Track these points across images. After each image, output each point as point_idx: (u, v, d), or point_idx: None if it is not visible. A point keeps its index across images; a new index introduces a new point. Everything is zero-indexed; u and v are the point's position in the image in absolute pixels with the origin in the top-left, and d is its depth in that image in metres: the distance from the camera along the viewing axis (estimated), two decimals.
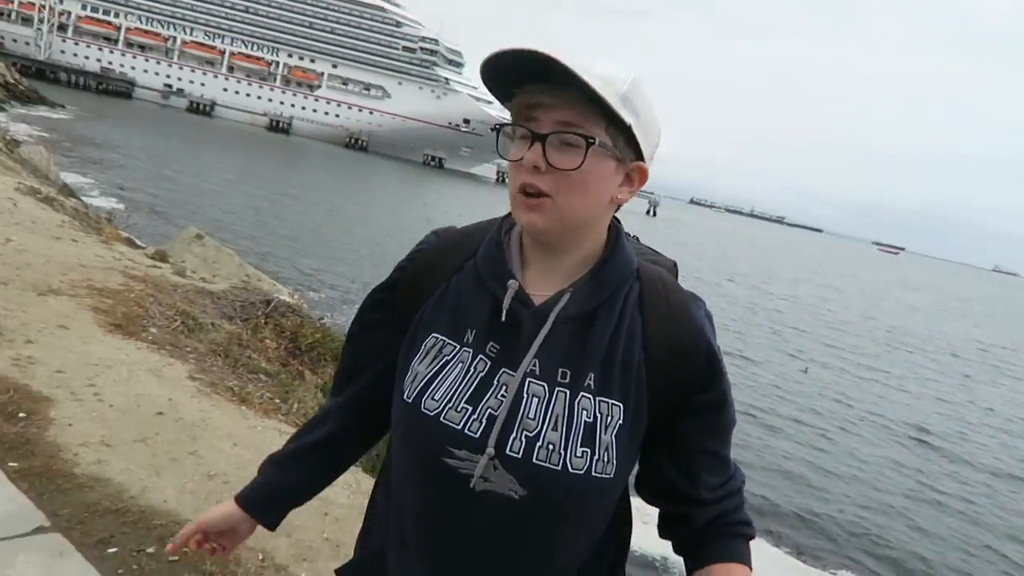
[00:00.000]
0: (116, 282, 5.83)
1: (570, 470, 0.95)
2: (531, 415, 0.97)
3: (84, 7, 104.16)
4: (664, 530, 1.13)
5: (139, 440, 3.31)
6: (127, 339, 4.64)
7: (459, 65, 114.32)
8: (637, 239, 1.22)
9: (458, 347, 1.02)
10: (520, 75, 0.95)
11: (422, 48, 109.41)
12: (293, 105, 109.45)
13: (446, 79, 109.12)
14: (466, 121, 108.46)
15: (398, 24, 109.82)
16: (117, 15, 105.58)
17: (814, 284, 44.87)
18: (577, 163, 0.94)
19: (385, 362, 1.11)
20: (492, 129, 1.07)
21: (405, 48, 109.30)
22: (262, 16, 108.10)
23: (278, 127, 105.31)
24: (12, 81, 48.99)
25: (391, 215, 31.64)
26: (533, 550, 1.00)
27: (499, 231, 1.08)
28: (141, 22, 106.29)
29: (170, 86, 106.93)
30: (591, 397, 0.98)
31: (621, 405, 0.98)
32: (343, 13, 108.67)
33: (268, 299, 7.16)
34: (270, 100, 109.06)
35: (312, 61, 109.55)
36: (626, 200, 1.02)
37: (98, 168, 24.44)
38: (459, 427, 0.97)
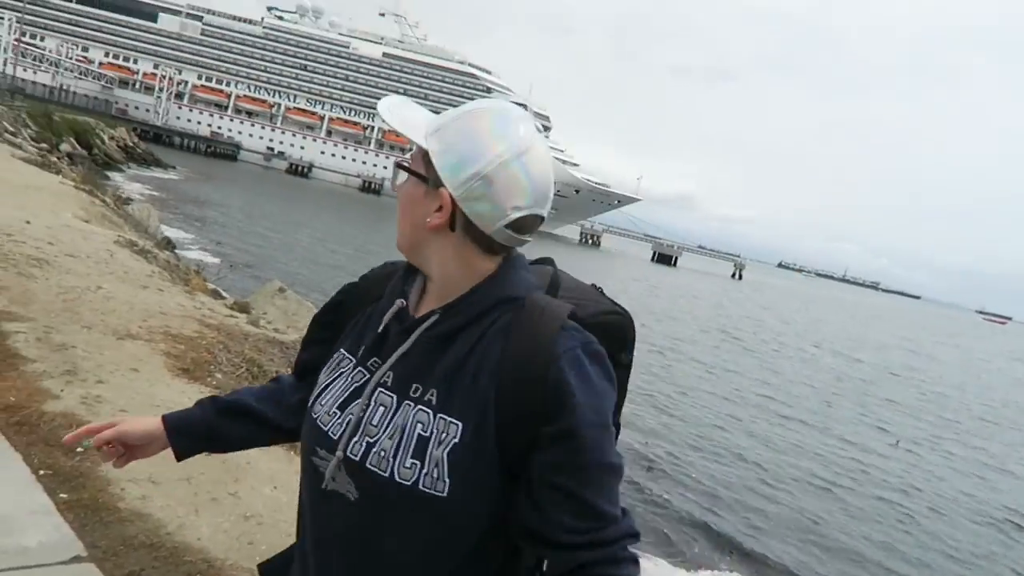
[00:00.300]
0: (191, 329, 6.15)
1: (396, 478, 0.99)
2: (374, 422, 1.03)
3: (200, 77, 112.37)
4: None
5: (183, 479, 3.45)
6: (192, 383, 4.87)
7: (546, 129, 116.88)
8: (600, 289, 1.24)
9: (353, 360, 1.11)
10: None
11: None
12: (385, 167, 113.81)
13: None
14: None
15: (488, 90, 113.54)
16: (228, 84, 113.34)
17: (908, 353, 42.64)
18: (393, 184, 1.09)
19: (315, 358, 1.22)
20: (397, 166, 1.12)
21: None
22: (360, 84, 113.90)
23: (370, 188, 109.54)
24: (131, 144, 53.13)
25: None
26: (375, 557, 1.03)
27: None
28: (249, 90, 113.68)
29: (272, 149, 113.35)
30: (430, 412, 1.01)
31: (460, 424, 0.99)
32: (436, 80, 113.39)
33: None
34: (364, 162, 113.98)
35: None
36: (438, 225, 1.03)
37: (199, 224, 25.98)
38: (326, 429, 1.06)
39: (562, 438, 0.97)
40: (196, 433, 1.30)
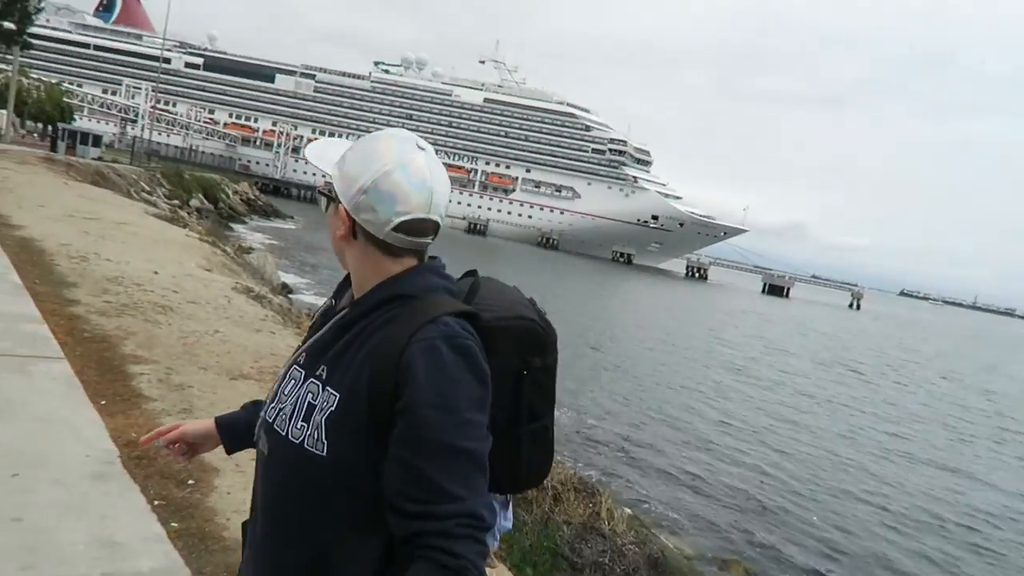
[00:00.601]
0: None
1: (289, 437, 1.20)
2: (286, 392, 1.25)
3: (313, 131, 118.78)
4: None
5: None
6: None
7: (647, 164, 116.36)
8: (533, 301, 1.36)
9: (299, 353, 1.30)
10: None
11: (611, 149, 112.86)
12: (490, 208, 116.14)
13: (634, 177, 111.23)
14: (654, 217, 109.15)
15: (587, 128, 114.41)
16: (340, 136, 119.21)
17: None
18: (323, 208, 1.29)
19: None
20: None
21: (594, 150, 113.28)
22: (463, 130, 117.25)
23: (475, 229, 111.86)
24: (253, 197, 56.66)
25: (578, 311, 32.12)
26: (280, 512, 1.23)
27: None
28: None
29: None
30: (319, 385, 1.20)
31: (337, 395, 1.17)
32: (535, 121, 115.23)
33: None
34: (469, 205, 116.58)
35: (507, 167, 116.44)
36: (343, 236, 1.24)
37: (312, 270, 27.24)
38: (262, 417, 1.31)
39: (405, 413, 1.11)
40: (241, 431, 1.49)
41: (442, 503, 1.07)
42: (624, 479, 10.11)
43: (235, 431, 1.51)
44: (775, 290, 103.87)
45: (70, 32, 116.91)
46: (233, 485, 3.72)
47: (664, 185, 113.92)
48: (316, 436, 1.16)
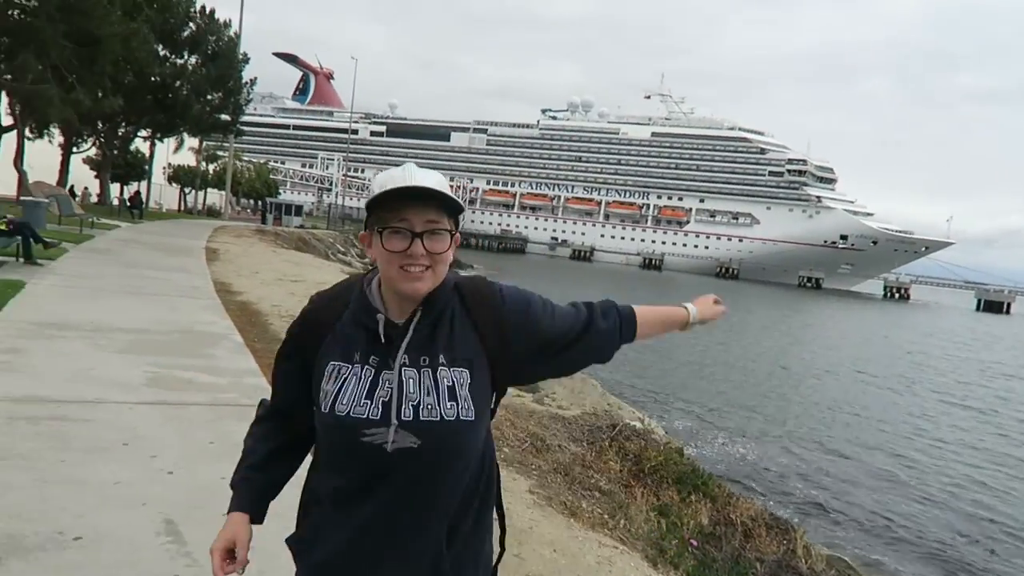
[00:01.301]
0: None
1: (445, 419, 1.42)
2: (411, 390, 1.44)
3: (488, 182, 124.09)
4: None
5: None
6: None
7: (831, 181, 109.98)
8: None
9: (350, 367, 1.47)
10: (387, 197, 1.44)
11: (789, 170, 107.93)
12: (664, 242, 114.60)
13: (818, 197, 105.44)
14: (843, 237, 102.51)
15: (762, 151, 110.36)
16: (513, 185, 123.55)
17: None
18: (445, 247, 1.47)
19: (296, 390, 1.56)
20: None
21: (772, 173, 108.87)
22: (632, 166, 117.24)
23: (650, 264, 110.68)
24: None
25: (764, 343, 30.77)
26: (438, 487, 1.45)
27: (361, 288, 1.54)
28: (532, 187, 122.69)
29: (556, 238, 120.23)
30: (447, 368, 1.46)
31: (467, 369, 1.47)
32: (707, 150, 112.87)
33: (615, 423, 7.59)
34: (642, 240, 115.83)
35: (680, 199, 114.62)
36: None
37: None
38: (364, 415, 1.43)
39: (527, 318, 1.56)
40: (259, 495, 1.62)
41: (586, 302, 1.73)
42: (820, 516, 9.51)
43: (258, 498, 1.61)
44: (992, 306, 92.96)
45: (273, 116, 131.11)
46: None
47: (852, 202, 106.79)
48: (466, 407, 1.43)
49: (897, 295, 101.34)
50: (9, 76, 26.63)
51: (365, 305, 1.51)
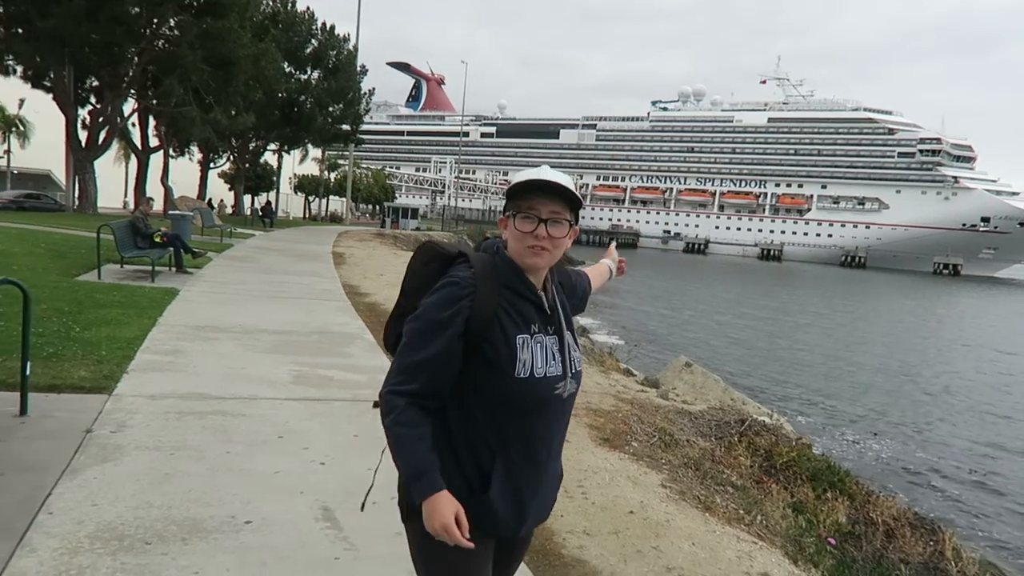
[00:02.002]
0: (608, 404, 6.82)
1: (581, 365, 1.88)
2: (572, 348, 1.85)
3: (598, 178, 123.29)
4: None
5: (612, 532, 3.89)
6: (612, 451, 5.41)
7: (969, 160, 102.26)
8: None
9: (531, 336, 1.76)
10: (524, 188, 1.78)
11: (921, 151, 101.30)
12: (783, 232, 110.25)
13: (954, 178, 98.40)
14: (984, 220, 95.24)
15: (891, 132, 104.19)
16: (623, 179, 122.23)
17: None
18: (564, 234, 1.79)
19: (458, 364, 1.73)
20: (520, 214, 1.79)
21: (901, 154, 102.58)
22: (748, 154, 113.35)
23: (769, 255, 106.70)
24: None
25: (894, 335, 29.11)
26: (570, 415, 1.91)
27: (509, 264, 1.79)
28: (643, 181, 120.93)
29: (668, 231, 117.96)
30: (569, 329, 1.87)
31: (570, 330, 1.89)
32: (828, 134, 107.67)
33: (743, 419, 7.43)
34: (759, 230, 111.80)
35: (800, 186, 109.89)
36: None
37: (610, 311, 28.16)
38: (555, 373, 1.78)
39: (577, 278, 2.21)
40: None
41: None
42: (968, 518, 8.94)
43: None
44: None
45: (388, 124, 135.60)
46: (565, 509, 4.12)
47: (994, 182, 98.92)
48: (581, 357, 1.88)
49: None
50: (155, 101, 28.91)
51: (524, 281, 1.79)
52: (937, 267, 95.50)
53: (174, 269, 12.42)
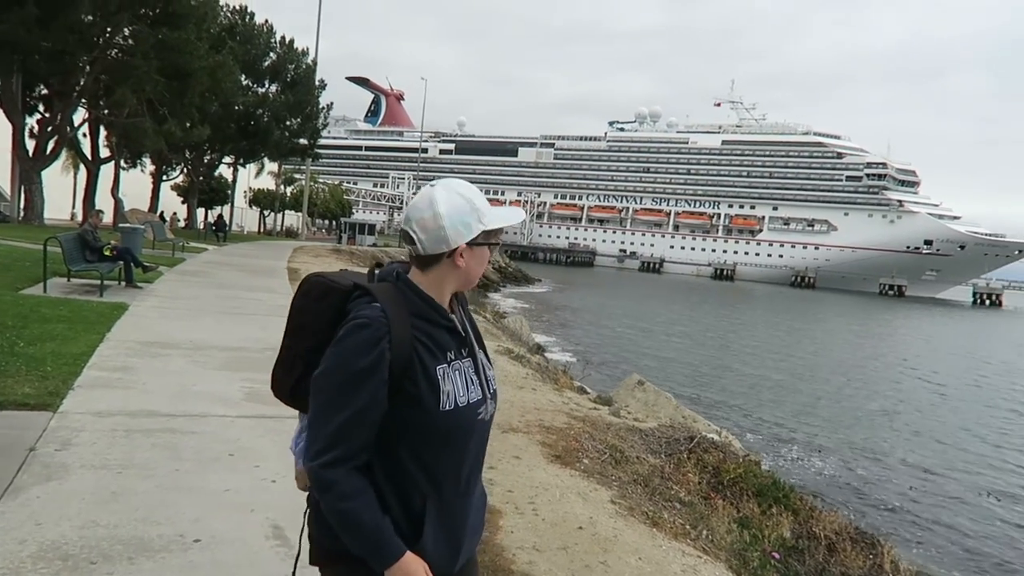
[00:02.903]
0: (561, 421, 6.91)
1: (495, 388, 1.82)
2: (486, 367, 1.79)
3: (556, 196, 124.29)
4: None
5: (561, 548, 3.96)
6: (564, 468, 5.50)
7: (913, 184, 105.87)
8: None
9: (447, 365, 1.67)
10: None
11: (868, 175, 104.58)
12: (736, 252, 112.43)
13: (899, 202, 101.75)
14: (928, 242, 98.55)
15: (839, 156, 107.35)
16: (581, 198, 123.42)
17: None
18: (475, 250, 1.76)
19: (383, 408, 1.59)
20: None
21: (849, 178, 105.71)
22: (702, 175, 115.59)
23: (722, 275, 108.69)
24: (504, 265, 60.40)
25: (838, 353, 29.90)
26: (486, 446, 1.83)
27: (416, 291, 1.68)
28: (600, 200, 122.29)
29: (624, 251, 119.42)
30: (484, 348, 1.84)
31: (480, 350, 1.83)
32: (780, 156, 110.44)
33: (692, 436, 7.59)
34: (713, 250, 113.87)
35: (752, 207, 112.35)
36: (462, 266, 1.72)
37: (563, 329, 28.35)
38: (476, 398, 1.71)
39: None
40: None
41: None
42: (906, 532, 9.24)
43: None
44: None
45: (346, 138, 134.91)
46: (516, 525, 4.18)
47: (936, 206, 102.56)
48: (495, 374, 1.85)
49: (988, 301, 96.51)
50: (107, 111, 28.35)
51: (435, 307, 1.70)
52: (883, 288, 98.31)
53: (124, 283, 12.18)
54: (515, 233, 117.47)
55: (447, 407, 1.62)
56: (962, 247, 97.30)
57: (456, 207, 1.65)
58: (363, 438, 1.57)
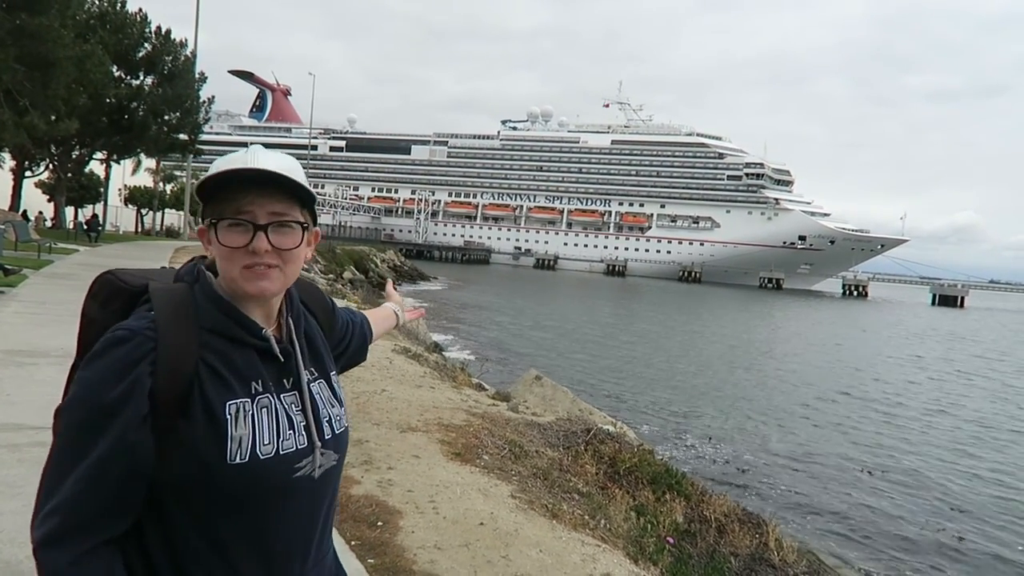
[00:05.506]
0: (460, 419, 6.88)
1: (344, 425, 1.37)
2: (321, 406, 1.32)
3: (450, 194, 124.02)
4: None
5: (463, 545, 3.94)
6: (464, 465, 5.47)
7: (788, 183, 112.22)
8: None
9: (249, 400, 1.21)
10: (223, 182, 1.20)
11: (747, 174, 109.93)
12: (627, 248, 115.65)
13: (775, 200, 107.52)
14: (801, 238, 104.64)
15: (720, 156, 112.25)
16: (475, 196, 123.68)
17: None
18: (296, 243, 1.25)
19: (146, 468, 1.13)
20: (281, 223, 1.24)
21: (730, 177, 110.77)
22: (593, 174, 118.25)
23: (614, 271, 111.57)
24: (399, 263, 59.80)
25: (725, 344, 31.30)
26: (335, 492, 1.37)
27: (214, 296, 1.24)
28: (494, 198, 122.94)
29: (519, 248, 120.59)
30: (329, 374, 1.40)
31: (334, 372, 1.42)
32: (666, 156, 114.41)
33: (589, 428, 7.74)
34: (605, 247, 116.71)
35: (641, 205, 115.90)
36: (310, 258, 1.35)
37: (460, 326, 28.34)
38: (293, 450, 1.24)
39: (338, 312, 1.62)
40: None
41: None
42: (789, 511, 9.79)
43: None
44: (947, 300, 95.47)
45: (231, 134, 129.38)
46: (416, 525, 4.12)
47: (809, 203, 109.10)
48: (344, 412, 1.39)
49: (856, 292, 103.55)
50: None
51: (238, 319, 1.23)
52: (762, 281, 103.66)
53: None
54: (409, 231, 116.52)
55: (238, 459, 1.16)
56: (832, 242, 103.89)
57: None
58: (105, 501, 1.10)
